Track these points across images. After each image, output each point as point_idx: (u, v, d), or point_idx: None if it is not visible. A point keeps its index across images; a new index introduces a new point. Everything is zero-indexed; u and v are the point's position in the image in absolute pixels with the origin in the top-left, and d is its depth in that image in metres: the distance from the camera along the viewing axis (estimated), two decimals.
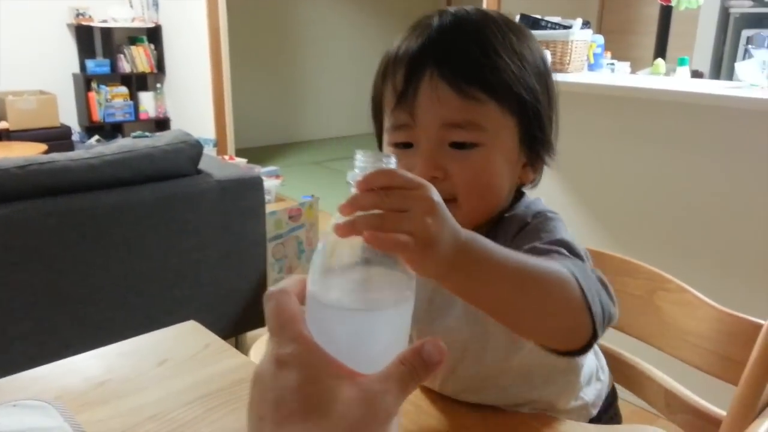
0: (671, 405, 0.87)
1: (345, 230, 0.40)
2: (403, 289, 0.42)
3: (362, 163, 0.43)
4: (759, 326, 0.79)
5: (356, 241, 0.40)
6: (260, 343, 0.90)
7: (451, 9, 0.68)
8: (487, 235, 0.50)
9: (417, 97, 0.65)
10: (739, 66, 1.87)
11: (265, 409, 0.39)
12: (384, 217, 0.41)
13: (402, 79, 0.66)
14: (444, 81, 0.63)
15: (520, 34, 0.68)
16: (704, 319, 0.84)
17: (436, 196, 0.44)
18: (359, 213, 0.41)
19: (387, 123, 0.69)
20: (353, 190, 0.42)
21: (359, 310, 0.41)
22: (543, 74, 0.69)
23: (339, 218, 0.41)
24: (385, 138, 0.70)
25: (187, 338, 0.85)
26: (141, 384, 0.73)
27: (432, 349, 0.40)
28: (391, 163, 0.43)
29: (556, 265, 0.55)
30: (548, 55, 2.05)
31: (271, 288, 0.43)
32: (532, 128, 0.68)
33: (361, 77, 7.14)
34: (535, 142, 0.69)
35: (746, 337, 0.79)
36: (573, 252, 0.61)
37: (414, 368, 0.39)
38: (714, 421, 0.81)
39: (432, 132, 0.65)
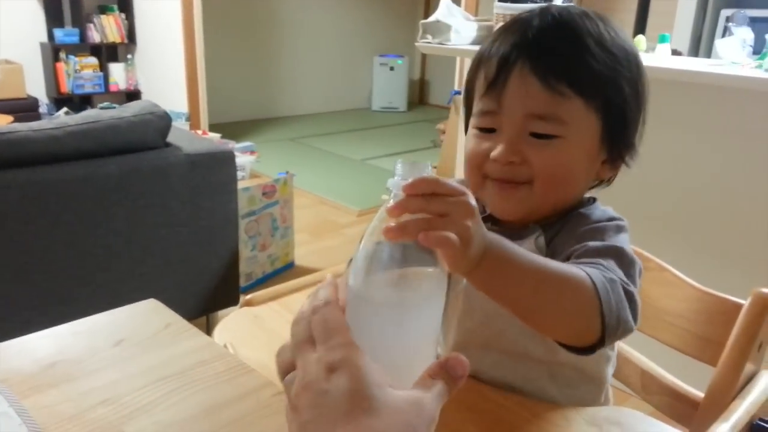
0: (647, 386, 0.85)
1: (397, 233, 0.45)
2: (439, 286, 0.47)
3: (403, 171, 0.47)
4: (739, 306, 0.77)
5: (396, 243, 0.45)
6: (225, 323, 0.86)
7: (553, 8, 0.72)
8: (557, 225, 0.65)
9: (506, 86, 0.69)
10: (720, 43, 1.85)
11: (316, 413, 0.42)
12: (430, 220, 0.46)
13: (494, 68, 0.70)
14: (533, 74, 0.67)
15: (617, 36, 0.71)
16: (684, 299, 0.82)
17: (473, 201, 0.49)
18: (407, 216, 0.46)
19: (475, 108, 0.74)
20: (393, 194, 0.46)
21: (401, 305, 0.46)
22: (634, 77, 0.72)
23: (383, 220, 0.45)
24: (471, 122, 0.75)
25: (146, 317, 0.80)
26: (94, 366, 0.69)
27: (455, 364, 0.45)
28: (429, 171, 0.47)
29: (578, 273, 0.59)
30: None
31: (315, 301, 0.47)
32: (615, 128, 0.71)
33: (339, 53, 7.04)
34: (617, 141, 0.72)
35: (726, 317, 0.78)
36: (622, 261, 0.64)
37: (443, 381, 0.45)
38: (691, 403, 0.79)
39: (516, 120, 0.69)
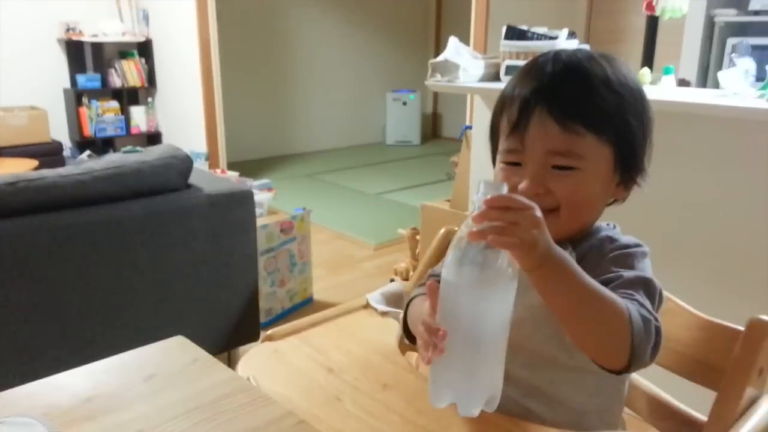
0: (655, 411, 0.88)
1: (476, 236, 0.62)
2: (510, 278, 0.64)
3: (485, 189, 0.63)
4: (738, 332, 0.80)
5: (480, 244, 0.62)
6: (247, 357, 0.91)
7: (563, 54, 0.81)
8: (585, 244, 0.79)
9: (528, 128, 0.78)
10: (722, 75, 1.90)
11: None
12: (503, 228, 0.62)
13: (516, 113, 0.79)
14: (551, 117, 0.76)
15: (620, 74, 0.80)
16: (685, 326, 0.85)
17: (539, 214, 0.64)
18: (486, 223, 0.62)
19: (501, 146, 0.83)
20: (477, 206, 0.62)
21: (482, 289, 0.64)
22: (639, 110, 0.81)
23: (469, 226, 0.62)
24: (498, 157, 0.84)
25: (174, 353, 0.85)
26: (127, 399, 0.74)
27: None
28: (504, 189, 0.64)
29: (620, 303, 0.68)
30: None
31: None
32: (626, 156, 0.80)
33: (353, 90, 7.18)
34: (629, 166, 0.81)
35: (725, 343, 0.81)
36: (650, 292, 0.74)
37: None
38: (696, 426, 0.82)
39: (538, 157, 0.78)
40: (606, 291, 0.68)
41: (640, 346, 0.68)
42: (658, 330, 0.70)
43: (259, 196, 4.16)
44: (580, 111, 0.76)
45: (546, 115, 0.76)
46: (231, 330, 2.23)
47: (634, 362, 0.69)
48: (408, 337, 0.90)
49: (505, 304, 0.65)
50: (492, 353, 0.67)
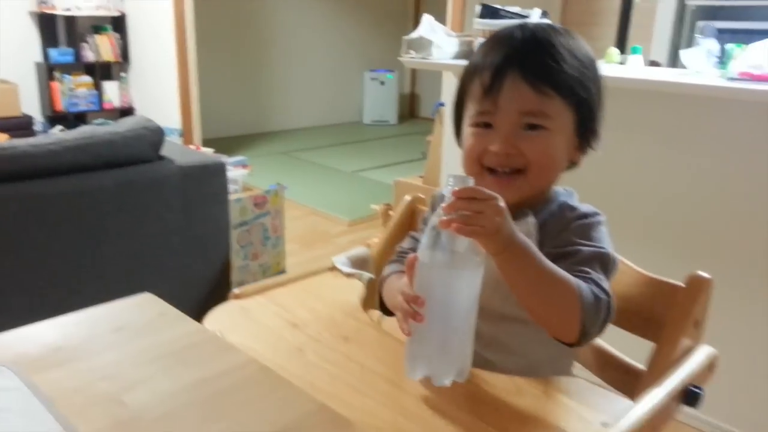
0: (599, 363, 0.93)
1: (444, 224, 0.69)
2: (477, 263, 0.72)
3: (454, 181, 0.71)
4: (678, 288, 0.86)
5: (452, 236, 0.70)
6: (214, 313, 0.94)
7: (529, 25, 0.88)
8: (545, 211, 0.86)
9: (501, 90, 0.83)
10: (684, 54, 1.95)
11: None
12: (469, 217, 0.69)
13: (489, 77, 0.84)
14: (524, 80, 0.82)
15: (578, 44, 0.87)
16: (629, 283, 0.90)
17: (503, 204, 0.71)
18: (453, 213, 0.69)
19: (471, 110, 0.88)
20: (447, 198, 0.70)
21: (452, 271, 0.72)
22: (596, 76, 0.87)
23: (439, 215, 0.70)
24: (468, 122, 0.88)
25: (142, 308, 0.88)
26: (95, 349, 0.77)
27: None
28: (471, 182, 0.72)
29: (573, 283, 0.75)
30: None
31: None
32: (586, 119, 0.86)
33: (330, 68, 7.16)
34: (587, 130, 0.87)
35: (666, 298, 0.86)
36: (606, 267, 0.81)
37: None
38: (636, 375, 0.87)
39: (511, 118, 0.83)
40: (561, 274, 0.75)
41: (589, 323, 0.75)
42: (608, 306, 0.77)
43: (234, 173, 4.18)
44: (549, 75, 0.82)
45: (519, 78, 0.82)
46: (202, 302, 2.25)
47: (583, 338, 0.77)
48: (384, 311, 0.95)
49: (473, 284, 0.73)
50: (462, 328, 0.74)
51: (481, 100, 0.85)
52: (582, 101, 0.85)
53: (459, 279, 0.72)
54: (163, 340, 0.79)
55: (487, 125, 0.85)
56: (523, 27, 0.87)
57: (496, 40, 0.88)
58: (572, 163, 0.91)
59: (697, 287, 0.83)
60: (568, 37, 0.86)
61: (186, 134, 4.77)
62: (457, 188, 0.70)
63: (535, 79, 0.82)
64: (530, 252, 0.74)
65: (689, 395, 0.78)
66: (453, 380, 0.75)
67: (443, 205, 0.70)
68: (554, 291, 0.75)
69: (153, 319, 0.85)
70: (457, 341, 0.74)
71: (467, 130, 0.88)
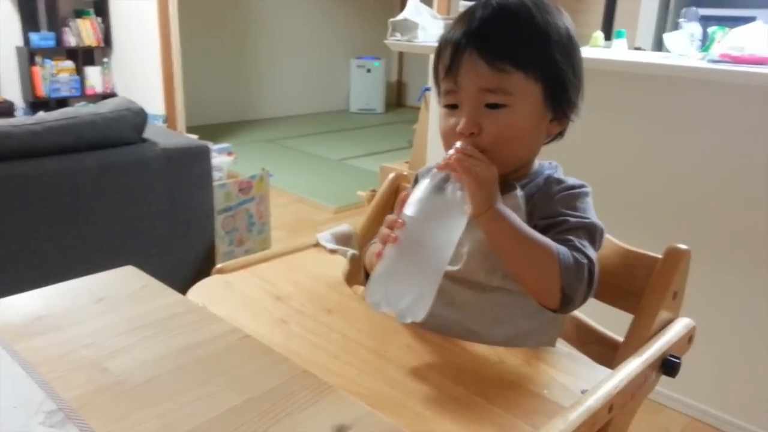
0: (580, 336, 0.95)
1: (443, 167, 0.77)
2: (460, 213, 0.76)
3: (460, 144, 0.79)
4: (656, 260, 0.87)
5: (443, 183, 0.76)
6: (197, 287, 0.94)
7: (493, 1, 0.85)
8: (532, 184, 0.87)
9: (460, 69, 0.83)
10: (667, 37, 1.96)
11: None
12: (466, 161, 0.76)
13: (449, 55, 0.85)
14: (480, 58, 0.82)
15: (548, 15, 0.85)
16: (610, 255, 0.91)
17: (495, 169, 0.78)
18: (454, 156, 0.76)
19: (440, 90, 0.89)
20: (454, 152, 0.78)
21: (437, 210, 0.76)
22: (567, 47, 0.86)
23: (434, 174, 0.77)
24: (439, 102, 0.89)
25: (125, 280, 0.88)
26: (77, 318, 0.76)
27: None
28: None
29: (553, 247, 0.77)
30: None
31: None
32: (555, 92, 0.85)
33: (316, 56, 7.12)
34: (559, 102, 0.86)
35: (645, 271, 0.87)
36: (593, 236, 0.82)
37: None
38: (615, 347, 0.89)
39: (471, 95, 0.83)
40: (540, 238, 0.78)
41: (570, 287, 0.77)
42: (591, 272, 0.78)
43: (219, 159, 4.15)
44: (507, 51, 0.82)
45: (476, 56, 0.82)
46: (186, 286, 2.22)
47: (565, 302, 0.78)
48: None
49: (453, 231, 0.75)
50: (430, 265, 0.75)
51: (444, 79, 0.87)
52: (547, 74, 0.84)
53: (441, 221, 0.75)
54: (146, 310, 0.79)
55: (454, 106, 0.86)
56: (485, 3, 0.86)
57: (460, 17, 0.88)
58: (552, 135, 0.91)
59: (675, 259, 0.84)
60: (534, 8, 0.84)
61: (170, 120, 4.73)
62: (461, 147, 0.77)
63: (492, 56, 0.81)
64: (510, 216, 0.78)
65: (667, 364, 0.79)
66: (407, 316, 0.75)
67: (446, 155, 0.77)
68: (533, 253, 0.78)
69: (136, 290, 0.85)
70: (423, 272, 0.75)
71: (440, 111, 0.89)
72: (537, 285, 0.80)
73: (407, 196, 0.78)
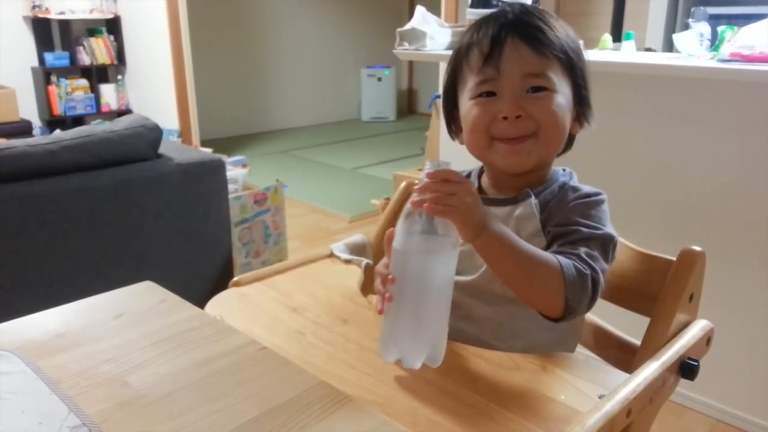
0: (600, 342, 0.94)
1: (417, 204, 0.71)
2: (451, 246, 0.72)
3: (429, 166, 0.73)
4: (671, 263, 0.87)
5: (426, 217, 0.71)
6: (215, 300, 0.95)
7: (518, 4, 0.90)
8: (547, 192, 0.87)
9: (502, 55, 0.84)
10: (677, 37, 1.96)
11: None
12: (440, 196, 0.70)
13: (488, 45, 0.85)
14: (524, 43, 0.83)
15: (561, 24, 0.89)
16: (625, 260, 0.91)
17: (473, 188, 0.74)
18: (427, 193, 0.70)
19: (470, 82, 0.88)
20: (425, 179, 0.71)
21: (424, 251, 0.72)
22: (579, 50, 0.89)
23: (414, 197, 0.71)
24: (469, 95, 0.88)
25: (143, 295, 0.90)
26: (98, 334, 0.78)
27: None
28: (444, 164, 0.73)
29: (554, 263, 0.76)
30: None
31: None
32: (580, 87, 0.88)
33: (327, 66, 7.16)
34: (580, 100, 0.89)
35: (660, 274, 0.87)
36: (605, 247, 0.81)
37: None
38: (634, 352, 0.88)
39: (515, 81, 0.84)
40: (540, 254, 0.77)
41: (574, 299, 0.76)
42: (594, 282, 0.77)
43: (234, 172, 4.18)
44: (546, 39, 0.84)
45: (519, 42, 0.83)
46: (205, 300, 2.25)
47: (569, 313, 0.78)
48: None
49: (447, 266, 0.72)
50: (434, 310, 0.73)
51: (482, 69, 0.85)
52: (576, 69, 0.87)
53: (432, 261, 0.71)
54: (164, 324, 0.80)
55: (490, 94, 0.85)
56: (512, 5, 0.89)
57: (487, 18, 0.89)
58: (569, 139, 0.91)
59: (689, 260, 0.84)
60: (553, 18, 0.89)
61: (184, 135, 4.78)
62: (433, 170, 0.72)
63: (535, 40, 0.83)
64: (506, 236, 0.76)
65: (685, 367, 0.79)
66: (424, 363, 0.73)
67: (416, 186, 0.72)
68: (534, 272, 0.76)
69: (154, 305, 0.86)
70: (429, 323, 0.73)
71: (468, 104, 0.88)
72: (539, 300, 0.79)
73: (393, 233, 0.74)
